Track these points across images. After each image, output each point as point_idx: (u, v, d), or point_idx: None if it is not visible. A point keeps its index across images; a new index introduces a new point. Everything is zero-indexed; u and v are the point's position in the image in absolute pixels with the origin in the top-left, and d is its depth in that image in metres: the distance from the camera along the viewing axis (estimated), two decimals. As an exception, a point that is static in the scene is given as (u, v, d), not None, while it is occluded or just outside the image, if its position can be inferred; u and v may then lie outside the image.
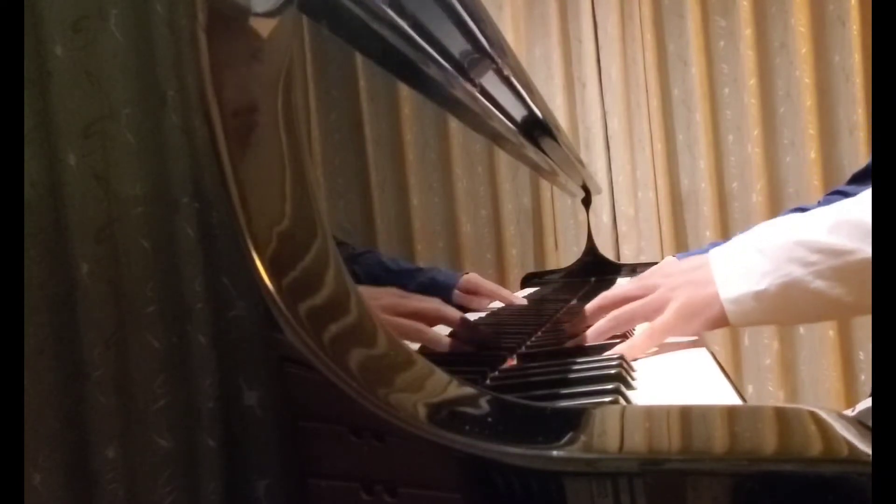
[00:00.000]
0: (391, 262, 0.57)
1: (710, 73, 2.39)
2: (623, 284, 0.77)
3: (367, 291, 0.50)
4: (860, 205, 0.63)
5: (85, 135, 0.36)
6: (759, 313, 0.66)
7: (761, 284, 0.65)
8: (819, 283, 0.62)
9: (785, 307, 0.65)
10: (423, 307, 0.60)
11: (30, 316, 0.35)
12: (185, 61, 0.35)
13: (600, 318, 0.73)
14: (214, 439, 0.35)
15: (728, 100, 2.40)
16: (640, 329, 0.73)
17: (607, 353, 0.68)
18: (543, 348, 0.79)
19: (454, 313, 0.64)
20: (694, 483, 0.32)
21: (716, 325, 0.69)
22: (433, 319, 0.60)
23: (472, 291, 0.74)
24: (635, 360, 0.69)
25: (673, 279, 0.72)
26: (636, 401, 0.57)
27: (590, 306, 0.76)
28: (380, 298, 0.53)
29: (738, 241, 0.71)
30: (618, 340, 0.72)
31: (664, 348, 0.78)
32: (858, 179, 1.47)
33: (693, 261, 0.74)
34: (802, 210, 1.52)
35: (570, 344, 0.73)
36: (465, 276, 0.73)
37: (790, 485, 0.31)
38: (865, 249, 0.60)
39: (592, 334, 0.72)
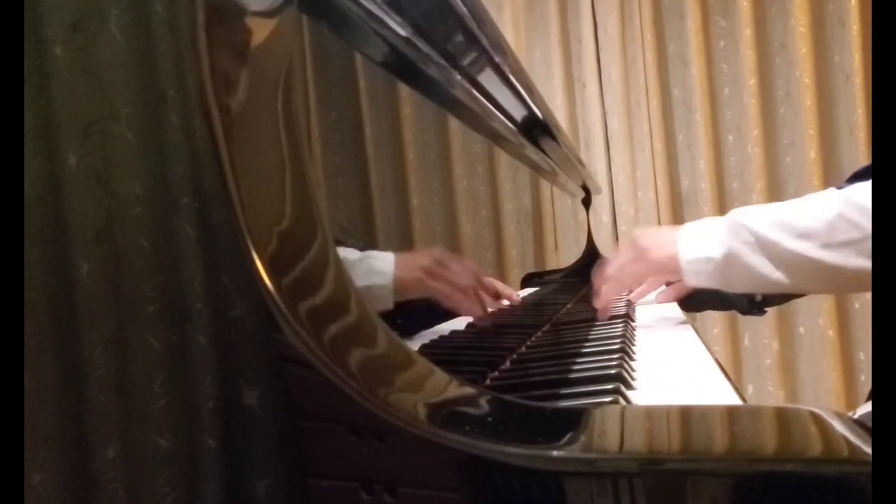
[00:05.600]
0: None
1: (710, 73, 2.39)
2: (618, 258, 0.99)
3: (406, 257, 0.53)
4: (797, 206, 0.81)
5: (85, 134, 0.36)
6: (707, 274, 0.85)
7: (711, 251, 0.84)
8: (753, 258, 0.81)
9: (728, 273, 0.83)
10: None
11: (30, 316, 0.35)
12: (185, 61, 0.35)
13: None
14: (214, 439, 0.35)
15: (728, 100, 2.40)
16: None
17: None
18: (544, 348, 0.79)
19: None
20: (694, 483, 0.32)
21: (677, 274, 0.88)
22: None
23: None
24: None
25: (647, 242, 0.93)
26: (636, 401, 0.57)
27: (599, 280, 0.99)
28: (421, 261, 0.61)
29: (704, 220, 0.91)
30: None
31: (663, 344, 0.78)
32: (857, 179, 1.47)
33: (666, 232, 0.94)
34: None
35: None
36: None
37: (790, 485, 0.31)
38: (787, 242, 0.79)
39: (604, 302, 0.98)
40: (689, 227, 0.90)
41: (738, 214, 0.84)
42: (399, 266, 0.56)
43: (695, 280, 0.86)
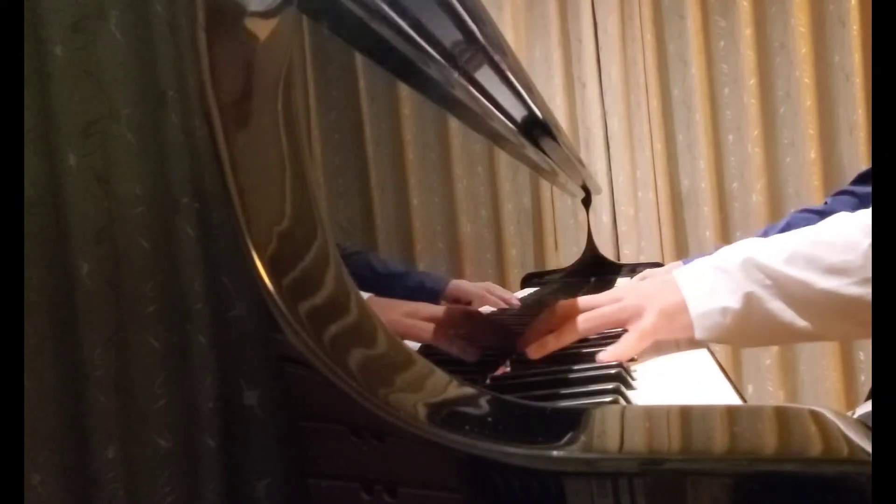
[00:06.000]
0: (380, 265, 0.57)
1: (710, 73, 2.39)
2: (588, 298, 0.77)
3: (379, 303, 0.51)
4: (815, 238, 0.68)
5: (85, 135, 0.36)
6: (723, 329, 0.69)
7: (726, 300, 0.69)
8: (776, 304, 0.67)
9: (746, 324, 0.69)
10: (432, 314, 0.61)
11: (30, 316, 0.35)
12: (185, 61, 0.35)
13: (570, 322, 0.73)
14: (214, 439, 0.35)
15: (728, 100, 2.40)
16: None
17: (600, 360, 0.68)
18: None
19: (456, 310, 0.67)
20: (694, 483, 0.32)
21: (686, 332, 0.72)
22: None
23: (459, 299, 0.73)
24: (628, 360, 0.70)
25: (642, 290, 0.75)
26: (636, 401, 0.57)
27: (560, 310, 0.76)
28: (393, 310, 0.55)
29: (700, 263, 0.75)
30: (606, 341, 0.73)
31: (664, 349, 0.78)
32: (865, 179, 1.46)
33: (656, 279, 0.78)
34: (808, 211, 1.51)
35: (533, 348, 0.72)
36: (452, 283, 0.72)
37: (790, 485, 0.31)
38: (817, 281, 0.66)
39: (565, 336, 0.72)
40: (685, 271, 0.74)
41: (745, 251, 0.71)
42: None
43: (706, 336, 0.70)
